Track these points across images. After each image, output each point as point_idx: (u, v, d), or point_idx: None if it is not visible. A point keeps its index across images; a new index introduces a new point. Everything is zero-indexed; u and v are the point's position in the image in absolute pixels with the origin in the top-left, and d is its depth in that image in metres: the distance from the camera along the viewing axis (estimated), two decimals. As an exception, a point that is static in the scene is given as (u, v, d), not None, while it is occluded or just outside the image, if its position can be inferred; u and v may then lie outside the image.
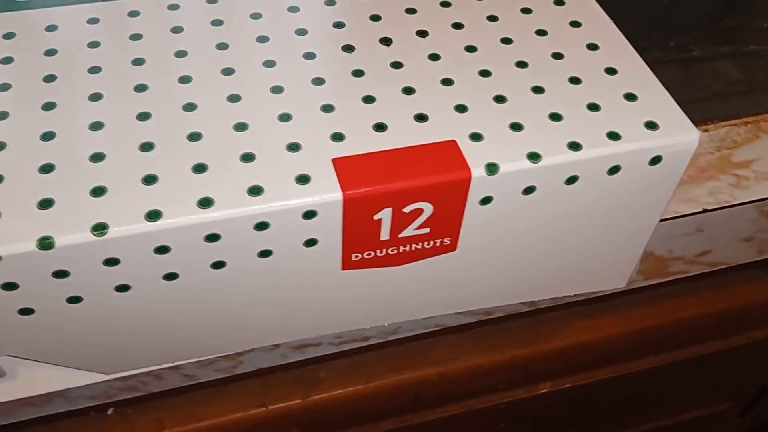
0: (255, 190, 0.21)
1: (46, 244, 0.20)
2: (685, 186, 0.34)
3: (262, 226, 0.21)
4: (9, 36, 0.25)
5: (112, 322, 0.23)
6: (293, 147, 0.22)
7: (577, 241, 0.26)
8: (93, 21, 0.26)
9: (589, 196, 0.24)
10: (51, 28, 0.26)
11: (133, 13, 0.26)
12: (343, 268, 0.24)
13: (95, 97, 0.23)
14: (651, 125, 0.23)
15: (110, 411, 0.39)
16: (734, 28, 0.41)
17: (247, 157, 0.22)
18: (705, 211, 0.33)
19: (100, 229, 0.20)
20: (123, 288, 0.22)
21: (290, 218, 0.21)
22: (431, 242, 0.24)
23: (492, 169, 0.22)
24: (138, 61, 0.25)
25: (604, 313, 0.44)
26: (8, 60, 0.25)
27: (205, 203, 0.21)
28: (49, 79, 0.24)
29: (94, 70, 0.24)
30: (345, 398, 0.42)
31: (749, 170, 0.34)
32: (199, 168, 0.22)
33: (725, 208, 0.33)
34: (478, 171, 0.22)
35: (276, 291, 0.24)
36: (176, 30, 0.26)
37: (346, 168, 0.22)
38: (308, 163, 0.22)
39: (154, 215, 0.20)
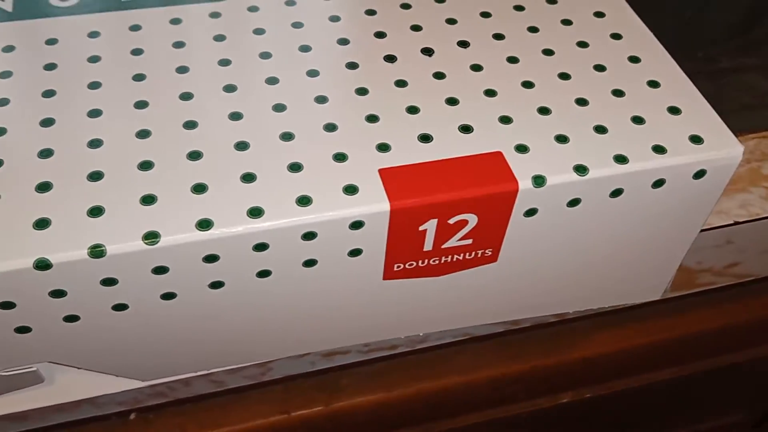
0: (304, 200, 0.21)
1: (97, 252, 0.20)
2: (717, 198, 0.34)
3: (309, 236, 0.21)
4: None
5: (154, 331, 0.23)
6: (340, 157, 0.22)
7: (617, 253, 0.26)
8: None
9: (632, 209, 0.24)
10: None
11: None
12: (385, 278, 0.24)
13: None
14: (696, 139, 0.23)
15: (132, 416, 0.39)
16: (762, 39, 0.41)
17: (295, 167, 0.22)
18: (736, 223, 0.33)
19: (151, 237, 0.20)
20: (168, 296, 0.22)
21: (337, 228, 0.21)
22: (473, 253, 0.24)
23: (539, 181, 0.22)
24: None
25: (626, 323, 0.44)
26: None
27: (256, 213, 0.21)
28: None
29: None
30: (367, 406, 0.41)
31: (780, 183, 0.34)
32: (248, 177, 0.22)
33: (756, 220, 0.33)
34: (525, 183, 0.22)
35: (316, 300, 0.24)
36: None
37: (392, 179, 0.22)
38: (355, 173, 0.22)
39: (204, 224, 0.20)
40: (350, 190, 0.21)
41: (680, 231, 0.26)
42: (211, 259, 0.21)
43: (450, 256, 0.24)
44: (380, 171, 0.22)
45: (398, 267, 0.24)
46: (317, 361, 0.34)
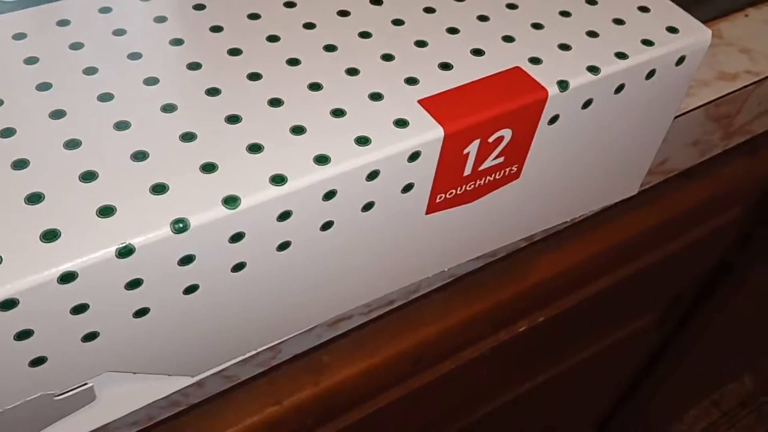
0: (362, 140, 0.21)
1: (179, 228, 0.18)
2: (645, 102, 0.37)
3: (373, 175, 0.21)
4: None
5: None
6: (375, 96, 0.22)
7: (617, 150, 0.28)
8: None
9: (631, 103, 0.26)
10: None
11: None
12: (427, 212, 0.24)
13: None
14: (672, 30, 0.26)
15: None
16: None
17: (338, 113, 0.21)
18: (667, 120, 0.37)
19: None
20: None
21: (397, 163, 0.21)
22: (501, 172, 0.25)
23: (564, 85, 0.23)
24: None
25: (564, 243, 0.47)
26: None
27: (323, 159, 0.20)
28: None
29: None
30: (352, 377, 0.41)
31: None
32: (298, 130, 0.21)
33: (682, 115, 0.37)
34: (552, 89, 0.23)
35: (370, 246, 0.24)
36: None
37: (434, 106, 0.22)
38: (398, 108, 0.22)
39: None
40: (400, 123, 0.21)
41: (661, 119, 0.28)
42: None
43: (483, 179, 0.24)
44: (420, 101, 0.22)
45: (440, 198, 0.24)
46: (323, 333, 0.34)
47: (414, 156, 0.21)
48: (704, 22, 0.41)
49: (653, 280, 0.59)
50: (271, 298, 0.23)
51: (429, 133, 0.21)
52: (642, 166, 0.30)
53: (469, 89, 0.23)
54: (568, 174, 0.27)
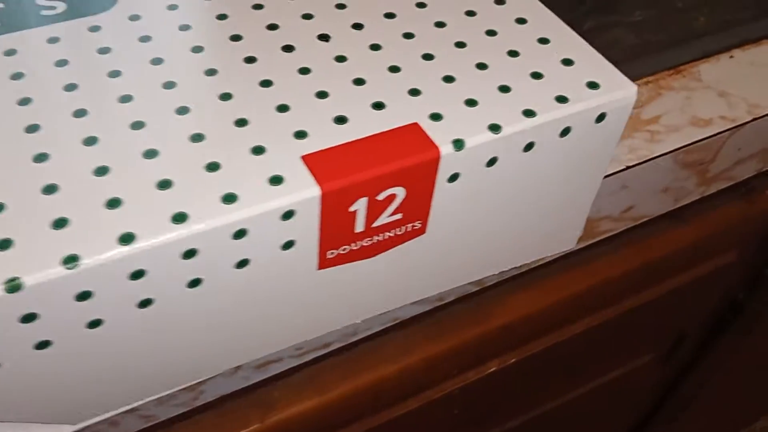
0: (229, 198, 0.20)
1: (13, 287, 0.18)
2: (606, 147, 0.36)
3: (240, 234, 0.20)
4: None
5: (81, 364, 0.22)
6: (258, 150, 0.22)
7: (534, 207, 0.26)
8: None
9: (544, 160, 0.25)
10: None
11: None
12: (319, 268, 0.23)
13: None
14: (592, 85, 0.24)
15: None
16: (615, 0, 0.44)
17: (213, 167, 0.21)
18: (628, 167, 0.35)
19: (71, 261, 0.18)
20: (95, 323, 0.20)
21: (268, 221, 0.21)
22: (403, 228, 0.24)
23: (458, 144, 0.22)
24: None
25: (537, 284, 0.46)
26: None
27: (180, 218, 0.20)
28: None
29: None
30: (303, 413, 0.41)
31: (659, 124, 0.37)
32: (164, 184, 0.20)
33: (645, 162, 0.35)
34: (446, 148, 0.22)
35: (251, 303, 0.23)
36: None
37: (317, 163, 0.21)
38: (277, 164, 0.21)
39: (127, 239, 0.19)
40: (276, 180, 0.21)
41: (588, 176, 0.27)
42: (137, 275, 0.19)
43: (382, 234, 0.24)
44: (303, 157, 0.21)
45: (332, 254, 0.23)
46: (251, 375, 0.33)
47: (288, 214, 0.21)
48: (684, 63, 0.40)
49: (644, 320, 0.57)
50: (166, 342, 0.23)
51: (304, 192, 0.21)
52: (576, 221, 0.29)
53: (358, 146, 0.22)
54: (484, 229, 0.26)
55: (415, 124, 0.23)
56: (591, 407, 0.70)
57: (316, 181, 0.21)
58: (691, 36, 0.41)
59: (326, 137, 0.22)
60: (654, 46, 0.40)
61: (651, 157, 0.35)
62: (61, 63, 0.24)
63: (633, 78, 0.38)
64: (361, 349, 0.42)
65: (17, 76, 0.23)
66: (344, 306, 0.26)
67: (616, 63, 0.40)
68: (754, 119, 0.38)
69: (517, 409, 0.60)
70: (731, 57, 0.41)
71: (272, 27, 0.26)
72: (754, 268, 0.63)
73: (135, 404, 0.28)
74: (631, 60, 0.39)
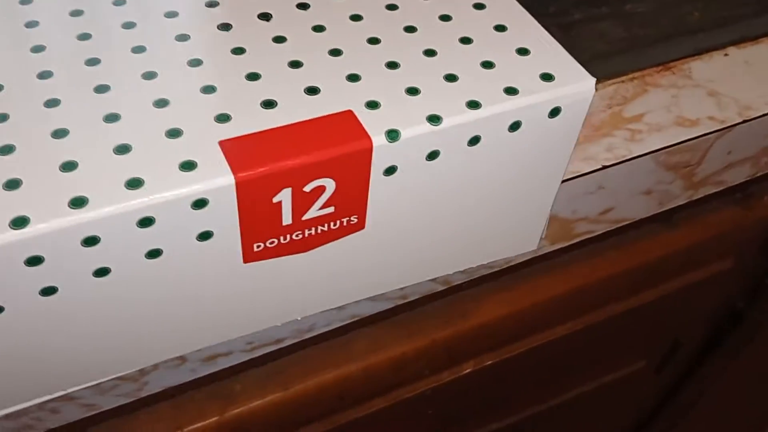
0: (134, 183, 0.19)
1: None
2: (582, 145, 0.34)
3: (146, 222, 0.19)
4: None
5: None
6: (173, 133, 0.20)
7: (485, 205, 0.25)
8: None
9: (493, 156, 0.23)
10: None
11: None
12: (245, 261, 0.22)
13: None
14: (547, 77, 0.23)
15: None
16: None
17: (122, 149, 0.20)
18: (604, 167, 0.33)
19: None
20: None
21: (177, 210, 0.19)
22: (338, 222, 0.22)
23: (393, 135, 0.21)
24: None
25: (515, 285, 0.44)
26: None
27: (78, 203, 0.18)
28: None
29: None
30: (265, 408, 0.39)
31: (641, 123, 0.35)
32: (68, 166, 0.19)
33: (623, 162, 0.34)
34: (378, 139, 0.20)
35: (172, 294, 0.22)
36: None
37: (235, 149, 0.20)
38: (192, 148, 0.20)
39: (20, 222, 0.18)
40: (187, 166, 0.19)
41: (545, 175, 0.25)
42: (34, 261, 0.18)
43: (314, 228, 0.22)
44: (221, 143, 0.20)
45: (258, 247, 0.22)
46: (198, 368, 0.32)
47: (200, 203, 0.19)
48: (674, 60, 0.38)
49: (634, 326, 0.55)
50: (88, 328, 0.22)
51: (217, 180, 0.19)
52: (535, 223, 0.27)
53: (283, 132, 0.20)
54: (431, 226, 0.24)
55: (349, 111, 0.21)
56: (581, 413, 0.68)
57: (230, 168, 0.19)
58: (685, 31, 0.39)
59: (250, 122, 0.21)
60: (643, 41, 0.38)
61: (629, 157, 0.34)
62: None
63: (618, 73, 0.37)
64: (325, 346, 0.40)
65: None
66: (281, 302, 0.25)
67: (601, 56, 0.38)
68: (745, 121, 0.36)
69: (499, 411, 0.58)
70: (726, 55, 0.39)
71: (212, 4, 0.24)
72: (754, 277, 0.61)
73: (66, 392, 0.27)
74: (618, 54, 0.38)
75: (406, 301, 0.36)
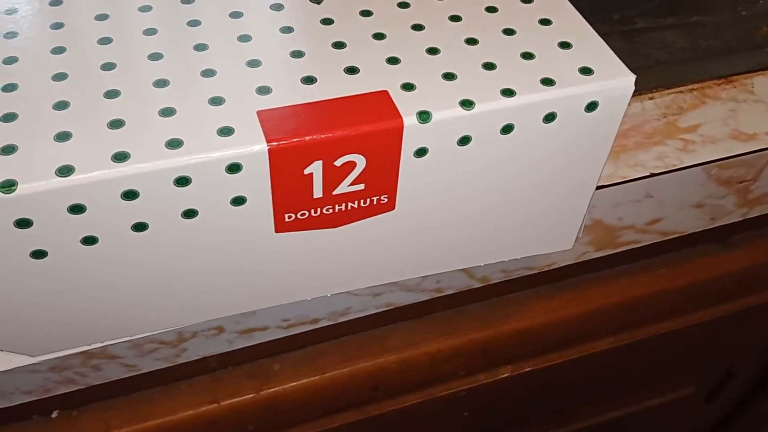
0: (173, 143, 0.20)
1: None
2: (633, 151, 0.33)
3: (182, 181, 0.20)
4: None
5: (33, 294, 0.22)
6: (216, 101, 0.21)
7: (518, 197, 0.25)
8: None
9: (526, 147, 0.23)
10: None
11: None
12: (277, 231, 0.23)
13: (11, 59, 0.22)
14: (586, 71, 0.23)
15: (55, 414, 0.38)
16: (678, 1, 0.41)
17: (167, 112, 0.21)
18: (653, 175, 0.33)
19: (7, 186, 0.19)
20: (39, 254, 0.20)
21: (213, 172, 0.20)
22: (367, 200, 0.23)
23: (424, 117, 0.21)
24: (58, 25, 0.24)
25: (560, 292, 0.44)
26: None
27: (121, 157, 0.19)
28: None
29: (11, 35, 0.23)
30: (300, 391, 0.40)
31: (696, 134, 0.34)
32: (116, 123, 0.20)
33: (673, 171, 0.33)
34: (410, 119, 0.21)
35: (206, 256, 0.23)
36: None
37: (271, 119, 0.21)
38: (231, 116, 0.21)
39: (65, 170, 0.19)
40: (225, 132, 0.20)
41: (581, 172, 0.25)
42: (77, 209, 0.20)
43: (344, 204, 0.23)
44: (258, 112, 0.21)
45: (290, 217, 0.23)
46: (234, 340, 0.33)
47: (234, 167, 0.20)
48: (737, 74, 0.37)
49: (683, 348, 0.53)
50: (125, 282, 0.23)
51: (251, 147, 0.20)
52: (571, 220, 0.27)
53: (319, 107, 0.21)
54: (461, 213, 0.25)
55: (384, 91, 0.22)
56: (625, 435, 0.67)
57: (264, 137, 0.20)
58: (750, 46, 0.38)
59: (289, 96, 0.22)
60: (705, 52, 0.37)
61: (679, 167, 0.33)
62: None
63: (676, 83, 0.36)
64: (363, 335, 0.41)
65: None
66: (310, 276, 0.26)
67: (661, 65, 0.37)
68: (806, 140, 0.35)
69: (537, 422, 0.57)
70: (792, 71, 0.37)
71: (268, -14, 0.26)
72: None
73: (104, 344, 0.28)
74: (678, 63, 0.37)
75: (441, 294, 0.36)
